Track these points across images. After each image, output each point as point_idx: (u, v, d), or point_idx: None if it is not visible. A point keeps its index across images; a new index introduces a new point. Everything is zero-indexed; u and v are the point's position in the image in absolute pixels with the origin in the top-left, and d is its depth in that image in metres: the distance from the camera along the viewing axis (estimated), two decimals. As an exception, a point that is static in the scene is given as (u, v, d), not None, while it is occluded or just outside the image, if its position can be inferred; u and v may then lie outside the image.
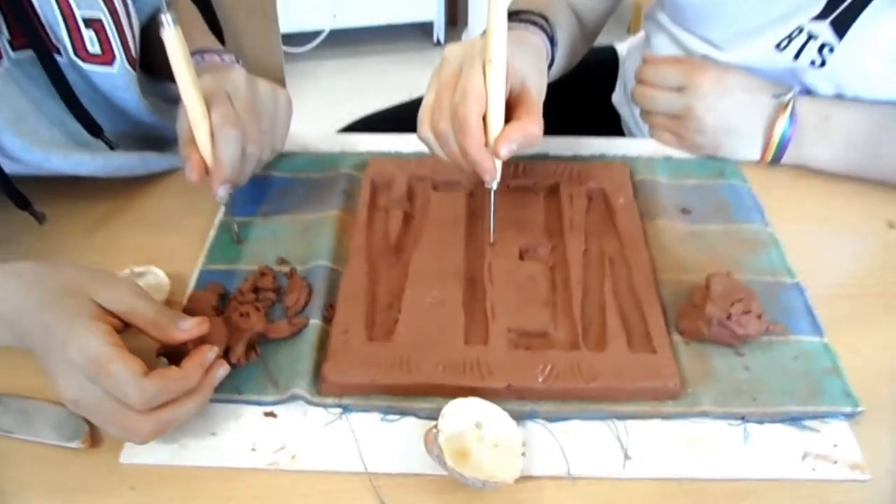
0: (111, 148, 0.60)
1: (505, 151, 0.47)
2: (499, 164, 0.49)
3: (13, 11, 0.51)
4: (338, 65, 2.29)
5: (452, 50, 0.51)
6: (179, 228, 0.58)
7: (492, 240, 0.54)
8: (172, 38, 0.47)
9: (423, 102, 0.50)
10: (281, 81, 0.96)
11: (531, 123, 0.47)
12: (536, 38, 0.60)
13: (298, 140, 0.65)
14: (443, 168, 0.60)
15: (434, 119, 0.49)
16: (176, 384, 0.40)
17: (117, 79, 0.58)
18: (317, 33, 2.25)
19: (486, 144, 0.48)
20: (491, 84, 0.46)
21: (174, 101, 0.68)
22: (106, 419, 0.40)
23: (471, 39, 0.51)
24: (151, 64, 0.66)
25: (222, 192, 0.52)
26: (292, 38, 2.19)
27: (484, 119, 0.47)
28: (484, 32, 0.46)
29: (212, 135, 0.50)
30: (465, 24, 2.41)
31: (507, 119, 0.48)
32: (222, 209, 0.58)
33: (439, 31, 2.42)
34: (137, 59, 0.61)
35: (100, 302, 0.41)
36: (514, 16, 0.64)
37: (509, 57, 0.47)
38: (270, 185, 0.61)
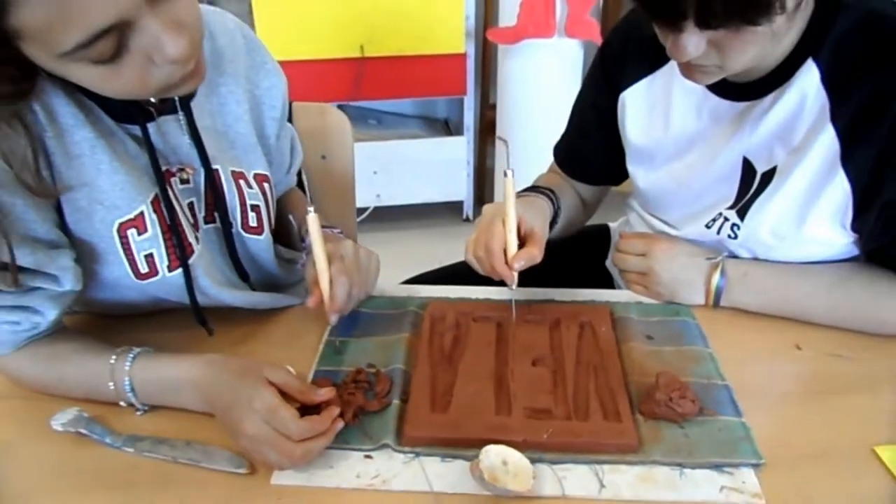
0: (252, 289, 0.88)
1: (517, 266, 0.80)
2: (515, 274, 0.81)
3: (215, 200, 0.81)
4: (380, 237, 2.63)
5: (487, 208, 0.86)
6: (298, 344, 0.84)
7: (513, 319, 0.84)
8: (313, 221, 0.76)
9: (469, 239, 0.84)
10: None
11: (534, 249, 0.80)
12: (543, 203, 0.93)
13: (379, 288, 0.92)
14: (479, 308, 0.88)
15: (475, 249, 0.82)
16: (317, 425, 0.64)
17: (262, 243, 0.87)
18: (363, 209, 2.62)
19: (507, 262, 0.80)
20: (507, 229, 0.79)
21: (284, 259, 0.97)
22: (272, 447, 0.63)
23: (495, 204, 0.85)
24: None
25: (334, 319, 0.78)
26: (343, 215, 2.55)
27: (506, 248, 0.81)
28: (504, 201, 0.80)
29: (330, 281, 0.78)
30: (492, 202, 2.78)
31: (522, 247, 0.81)
32: (327, 332, 0.85)
33: (468, 210, 2.77)
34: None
35: (267, 377, 0.67)
36: (533, 189, 0.96)
37: (524, 213, 0.82)
38: (361, 317, 0.87)
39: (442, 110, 2.92)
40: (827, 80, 0.78)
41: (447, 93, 2.55)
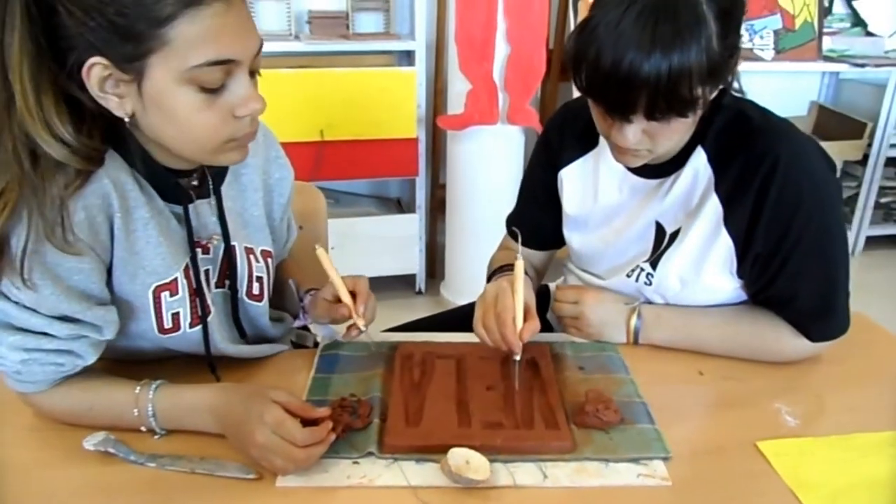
0: (247, 343, 1.03)
1: (527, 337, 0.93)
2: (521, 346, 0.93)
3: (230, 269, 0.96)
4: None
5: (488, 289, 1.00)
6: (289, 381, 0.98)
7: (517, 387, 0.94)
8: (323, 254, 0.95)
9: (476, 315, 0.98)
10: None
11: (536, 322, 0.95)
12: (528, 280, 1.08)
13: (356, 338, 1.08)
14: (442, 349, 1.04)
15: (485, 321, 0.96)
16: (316, 434, 0.79)
17: (261, 309, 1.03)
18: (322, 283, 2.75)
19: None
20: (516, 301, 0.94)
21: (271, 318, 1.12)
22: (278, 453, 0.77)
23: (496, 282, 1.00)
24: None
25: (362, 324, 0.97)
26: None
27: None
28: (511, 278, 0.96)
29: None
30: (443, 276, 2.93)
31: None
32: (313, 370, 1.00)
33: (420, 283, 2.91)
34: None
35: (273, 398, 0.81)
36: (509, 266, 1.11)
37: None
38: (341, 358, 1.03)
39: (395, 190, 3.13)
40: (711, 160, 1.00)
41: (400, 174, 2.75)
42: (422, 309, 2.88)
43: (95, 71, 0.74)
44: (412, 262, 2.84)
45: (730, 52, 0.87)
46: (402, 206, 3.03)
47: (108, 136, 0.81)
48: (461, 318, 1.24)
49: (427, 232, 2.90)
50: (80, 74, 0.75)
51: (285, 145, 1.10)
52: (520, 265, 0.95)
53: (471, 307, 1.03)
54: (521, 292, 0.95)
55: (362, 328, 0.98)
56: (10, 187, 0.75)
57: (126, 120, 0.79)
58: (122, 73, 0.75)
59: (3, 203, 0.75)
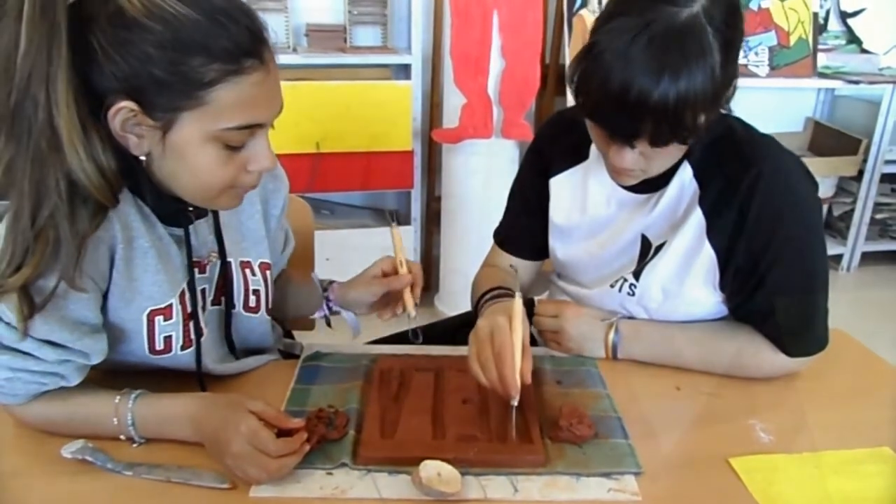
0: (236, 356, 1.04)
1: (527, 378, 0.88)
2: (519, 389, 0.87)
3: (225, 287, 0.98)
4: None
5: (481, 325, 0.92)
6: (270, 391, 0.99)
7: (513, 435, 0.88)
8: (396, 231, 1.00)
9: (470, 352, 0.91)
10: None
11: (530, 361, 0.89)
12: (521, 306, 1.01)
13: (338, 349, 1.09)
14: (421, 362, 1.05)
15: (481, 360, 0.89)
16: (290, 444, 0.80)
17: (257, 320, 1.04)
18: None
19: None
20: (514, 340, 0.89)
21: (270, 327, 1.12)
22: (252, 463, 0.78)
23: (491, 317, 0.92)
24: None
25: (412, 306, 0.99)
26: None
27: None
28: (509, 308, 0.92)
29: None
30: (437, 288, 2.95)
31: None
32: (293, 381, 1.01)
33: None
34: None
35: (249, 408, 0.82)
36: (499, 289, 1.10)
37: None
38: (322, 369, 1.04)
39: (391, 202, 3.14)
40: (696, 175, 1.02)
41: (396, 186, 2.77)
42: (416, 321, 2.90)
43: (122, 113, 0.75)
44: (407, 275, 2.85)
45: (729, 81, 0.89)
46: (398, 218, 3.05)
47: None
48: (445, 330, 1.25)
49: (423, 245, 2.92)
50: (105, 112, 0.75)
51: (282, 157, 1.11)
52: (518, 302, 0.91)
53: (457, 318, 1.03)
54: (519, 331, 0.90)
55: (412, 313, 0.99)
56: (49, 224, 0.75)
57: (143, 159, 0.80)
58: (148, 118, 0.76)
59: (45, 239, 0.75)
